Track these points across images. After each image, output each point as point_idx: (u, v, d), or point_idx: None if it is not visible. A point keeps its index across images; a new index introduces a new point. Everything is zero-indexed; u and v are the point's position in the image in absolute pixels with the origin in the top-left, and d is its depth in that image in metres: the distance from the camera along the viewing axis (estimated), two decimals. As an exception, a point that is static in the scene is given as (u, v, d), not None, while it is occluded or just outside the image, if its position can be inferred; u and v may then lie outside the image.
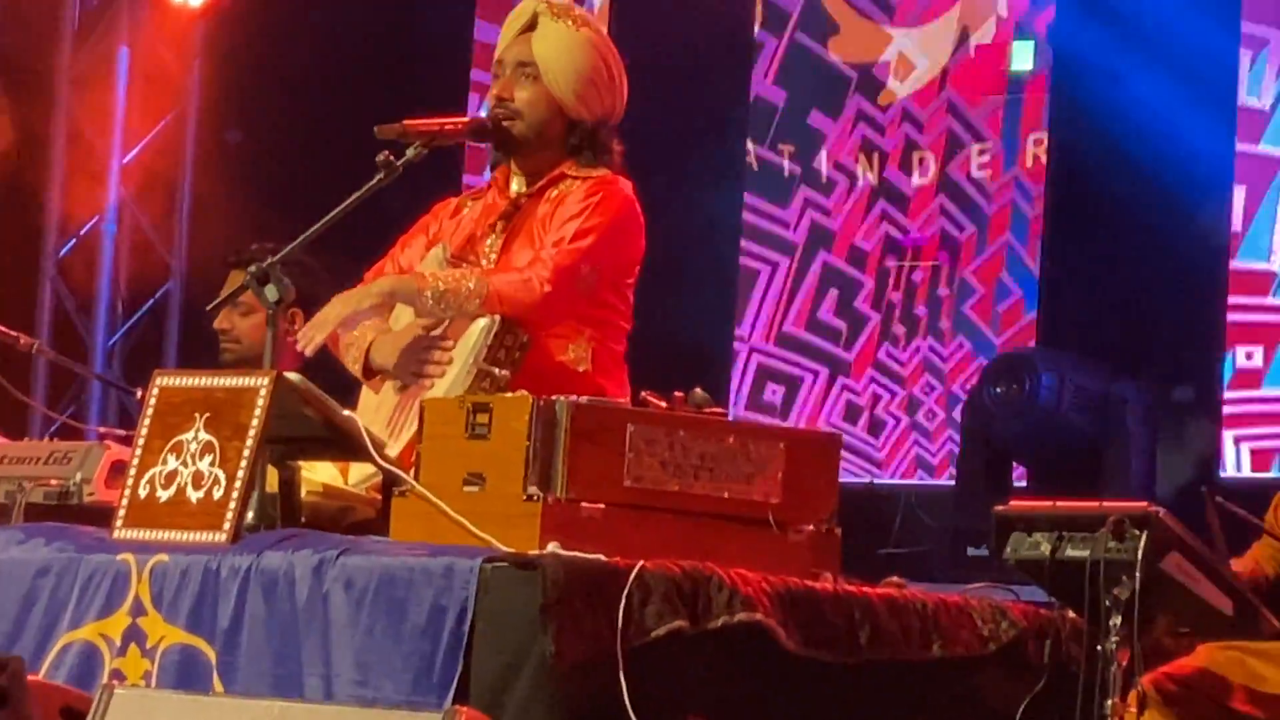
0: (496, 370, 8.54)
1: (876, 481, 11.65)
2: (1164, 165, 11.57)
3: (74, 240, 12.76)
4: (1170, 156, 11.66)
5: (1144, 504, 8.34)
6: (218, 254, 11.48)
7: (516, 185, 9.03)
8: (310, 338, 8.65)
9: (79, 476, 9.58)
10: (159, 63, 12.99)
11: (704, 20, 13.08)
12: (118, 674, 8.29)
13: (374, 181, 8.76)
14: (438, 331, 8.89)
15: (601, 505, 8.23)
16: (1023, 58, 12.23)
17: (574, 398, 8.32)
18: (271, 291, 8.59)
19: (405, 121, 8.97)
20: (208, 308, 10.54)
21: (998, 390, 11.36)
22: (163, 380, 8.82)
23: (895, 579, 8.71)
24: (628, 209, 8.86)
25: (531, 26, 8.99)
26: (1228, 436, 11.04)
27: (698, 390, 8.85)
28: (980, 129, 12.37)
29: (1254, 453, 10.86)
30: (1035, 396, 11.03)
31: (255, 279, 8.83)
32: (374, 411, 8.77)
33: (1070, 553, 8.17)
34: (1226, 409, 11.29)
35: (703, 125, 13.11)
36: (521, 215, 8.94)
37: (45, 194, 12.66)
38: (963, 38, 12.76)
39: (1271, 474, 10.29)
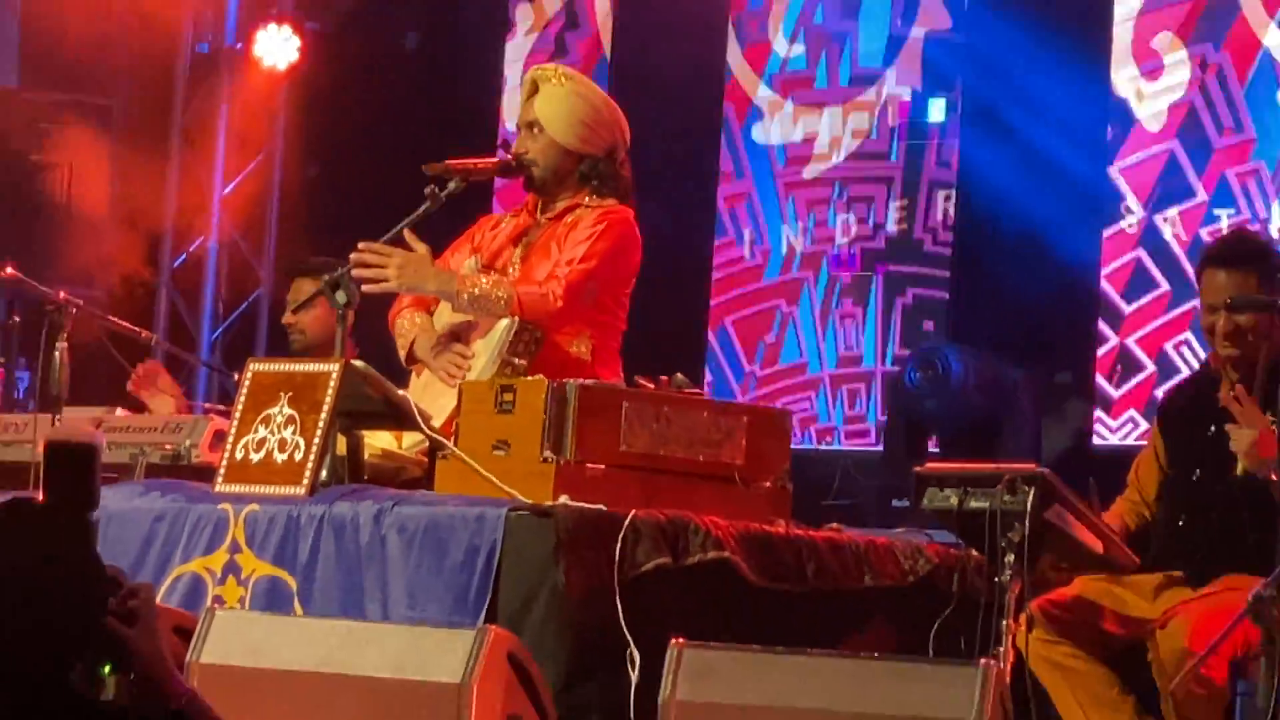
0: (516, 360, 8.63)
1: (820, 448, 11.59)
2: (1047, 200, 11.36)
3: (184, 255, 12.72)
4: (1052, 192, 11.49)
5: (1032, 465, 8.43)
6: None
7: (541, 209, 8.94)
8: (382, 280, 8.73)
9: (188, 443, 9.59)
10: (252, 113, 12.91)
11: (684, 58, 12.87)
12: (218, 599, 8.44)
13: (422, 209, 8.80)
14: (465, 334, 8.90)
15: (602, 466, 8.40)
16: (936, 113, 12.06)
17: (580, 381, 8.39)
18: (340, 296, 8.62)
19: (448, 161, 8.96)
20: (292, 310, 10.55)
21: (917, 375, 11.35)
22: (255, 366, 8.97)
23: (835, 525, 8.86)
24: (627, 234, 8.91)
25: (534, 92, 8.99)
26: (1098, 412, 11.05)
27: (679, 375, 8.89)
28: (897, 188, 12.19)
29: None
30: (947, 381, 10.96)
31: (328, 285, 8.82)
32: (421, 391, 8.77)
33: (973, 504, 8.24)
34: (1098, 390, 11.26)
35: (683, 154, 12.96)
36: (541, 236, 8.92)
37: (162, 220, 12.57)
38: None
39: (1130, 442, 10.27)
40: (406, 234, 8.78)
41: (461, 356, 8.86)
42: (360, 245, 8.75)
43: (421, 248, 8.78)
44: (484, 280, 8.83)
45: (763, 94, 12.52)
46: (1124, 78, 12.24)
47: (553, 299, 8.72)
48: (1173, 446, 8.74)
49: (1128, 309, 11.17)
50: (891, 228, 12.00)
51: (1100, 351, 11.11)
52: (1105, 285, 11.34)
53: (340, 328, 8.86)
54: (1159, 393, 10.31)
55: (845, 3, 12.39)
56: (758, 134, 12.47)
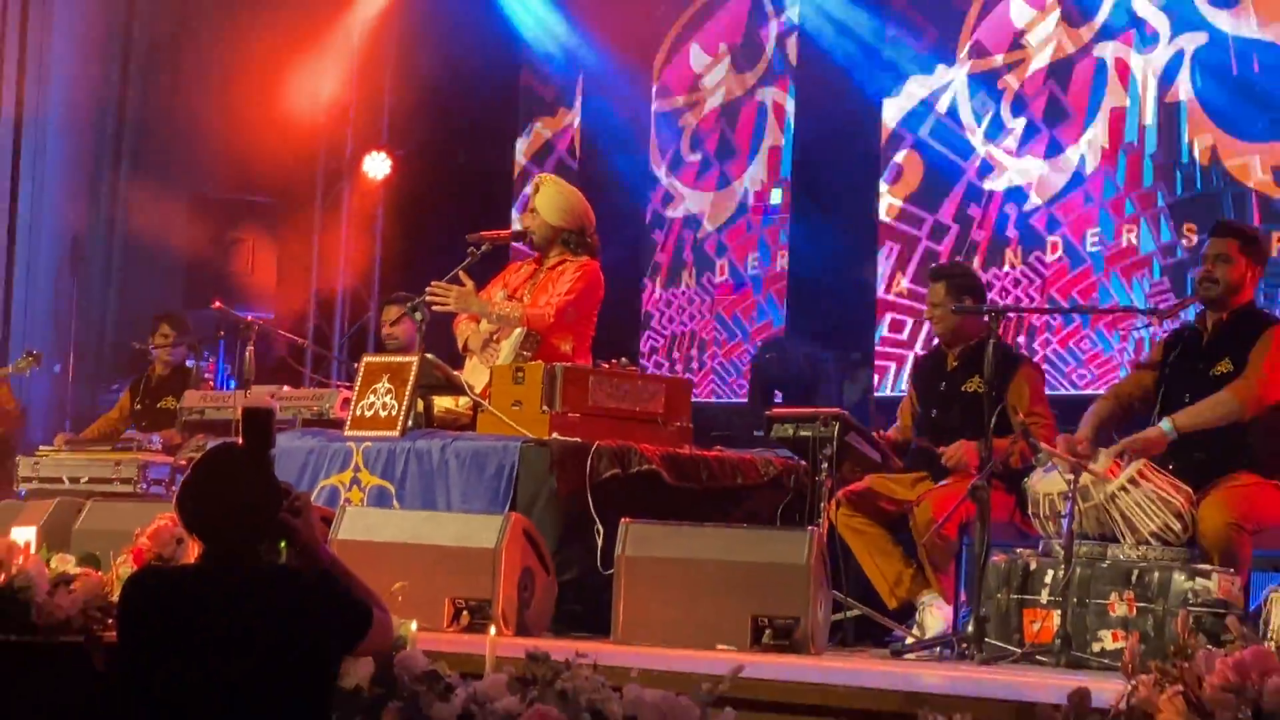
0: (525, 352, 8.61)
1: (713, 401, 11.47)
2: (842, 233, 11.40)
3: (325, 294, 12.50)
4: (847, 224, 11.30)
5: (837, 410, 8.34)
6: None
7: (543, 262, 8.93)
8: (445, 304, 8.71)
9: (326, 405, 9.59)
10: (363, 207, 12.80)
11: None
12: (348, 501, 8.36)
13: (467, 261, 8.83)
14: (496, 336, 8.89)
15: (578, 415, 8.37)
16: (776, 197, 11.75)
17: (564, 364, 8.41)
18: (418, 315, 8.65)
19: (482, 232, 9.03)
20: (389, 325, 10.54)
21: (768, 356, 11.22)
22: (367, 359, 8.95)
23: (718, 447, 8.85)
24: (595, 279, 8.82)
25: (536, 190, 9.00)
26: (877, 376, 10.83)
27: (624, 359, 8.94)
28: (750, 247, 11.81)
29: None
30: (786, 356, 10.85)
31: (411, 308, 8.86)
32: (470, 371, 8.76)
33: (802, 433, 8.22)
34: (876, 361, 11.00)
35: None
36: (543, 278, 8.86)
37: (310, 273, 12.42)
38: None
39: (897, 393, 10.13)
40: (461, 275, 8.85)
41: (494, 350, 8.91)
42: (432, 284, 8.78)
43: (469, 284, 8.74)
44: (507, 304, 8.89)
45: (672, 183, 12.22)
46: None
47: (548, 316, 8.65)
48: (919, 395, 8.65)
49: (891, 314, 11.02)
50: (754, 270, 11.72)
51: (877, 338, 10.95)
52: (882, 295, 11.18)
53: (419, 335, 8.89)
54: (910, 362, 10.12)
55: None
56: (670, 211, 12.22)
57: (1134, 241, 10.04)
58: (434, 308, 8.80)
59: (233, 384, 10.70)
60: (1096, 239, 10.16)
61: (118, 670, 5.26)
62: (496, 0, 12.51)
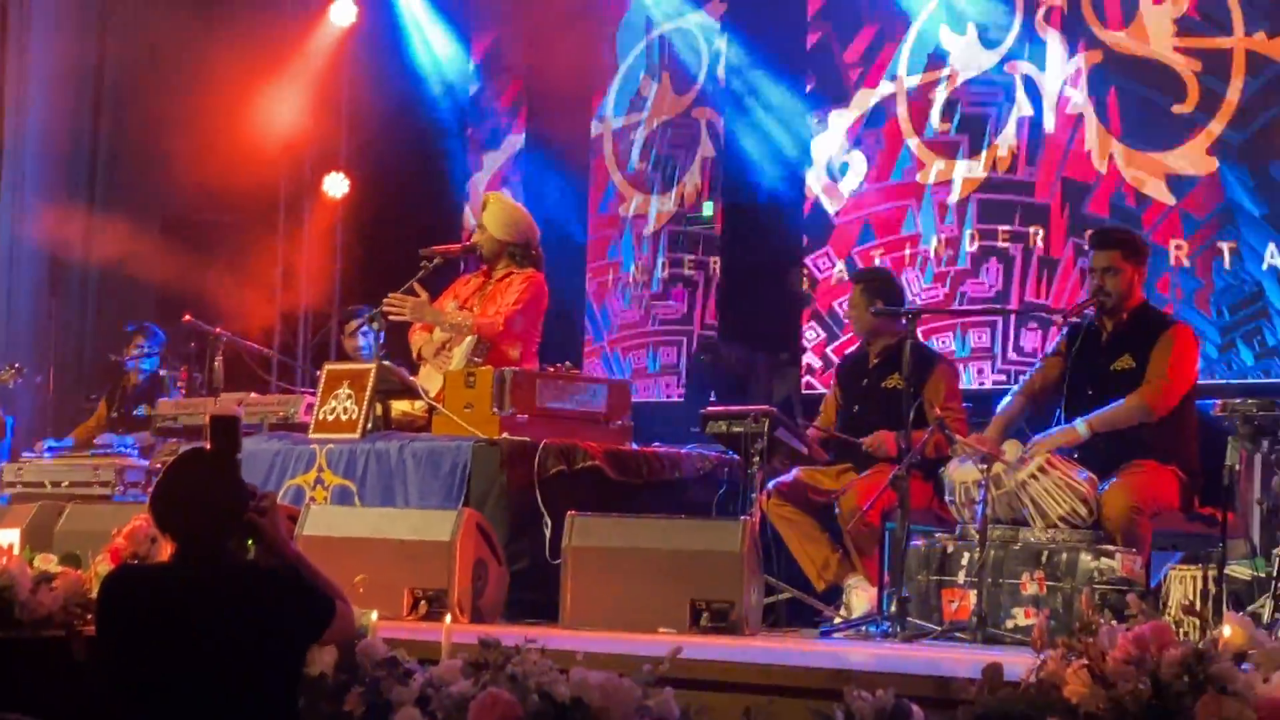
0: (476, 358, 8.56)
1: (652, 400, 11.42)
2: (777, 247, 11.30)
3: (288, 307, 12.39)
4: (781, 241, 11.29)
5: (766, 407, 8.34)
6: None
7: (491, 274, 8.89)
8: (401, 314, 8.66)
9: (292, 410, 9.54)
10: (324, 224, 12.71)
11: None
12: (312, 499, 8.31)
13: (420, 274, 8.79)
14: (448, 344, 8.86)
15: (526, 415, 8.30)
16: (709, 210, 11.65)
17: (512, 369, 8.37)
18: (375, 325, 8.64)
19: (434, 247, 8.98)
20: (348, 335, 10.50)
21: (702, 357, 11.20)
22: (329, 367, 8.93)
23: (657, 443, 8.76)
24: (540, 289, 8.77)
25: (484, 207, 8.97)
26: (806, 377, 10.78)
27: (568, 363, 8.93)
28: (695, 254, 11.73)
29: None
30: (719, 358, 10.83)
31: (368, 319, 8.98)
32: (424, 377, 8.70)
33: (735, 429, 8.20)
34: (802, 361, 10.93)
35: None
36: (491, 289, 8.81)
37: (274, 287, 12.35)
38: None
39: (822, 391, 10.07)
40: (416, 288, 8.80)
41: (446, 357, 8.87)
42: (388, 296, 8.76)
43: (423, 295, 8.70)
44: (458, 314, 8.85)
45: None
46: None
47: (498, 324, 8.60)
48: (843, 392, 8.66)
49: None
50: (690, 273, 11.67)
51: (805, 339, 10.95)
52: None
53: (376, 344, 8.89)
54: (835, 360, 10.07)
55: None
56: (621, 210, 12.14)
57: (1039, 242, 10.03)
58: (390, 318, 8.77)
59: (204, 391, 10.64)
60: (1009, 235, 10.16)
61: (97, 663, 5.22)
62: (449, 29, 12.45)
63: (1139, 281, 7.72)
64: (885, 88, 10.71)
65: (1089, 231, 8.33)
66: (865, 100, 10.77)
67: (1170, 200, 9.56)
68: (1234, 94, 9.36)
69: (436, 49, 12.45)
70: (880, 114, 10.71)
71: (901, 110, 10.59)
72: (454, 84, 12.49)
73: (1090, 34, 9.87)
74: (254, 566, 5.42)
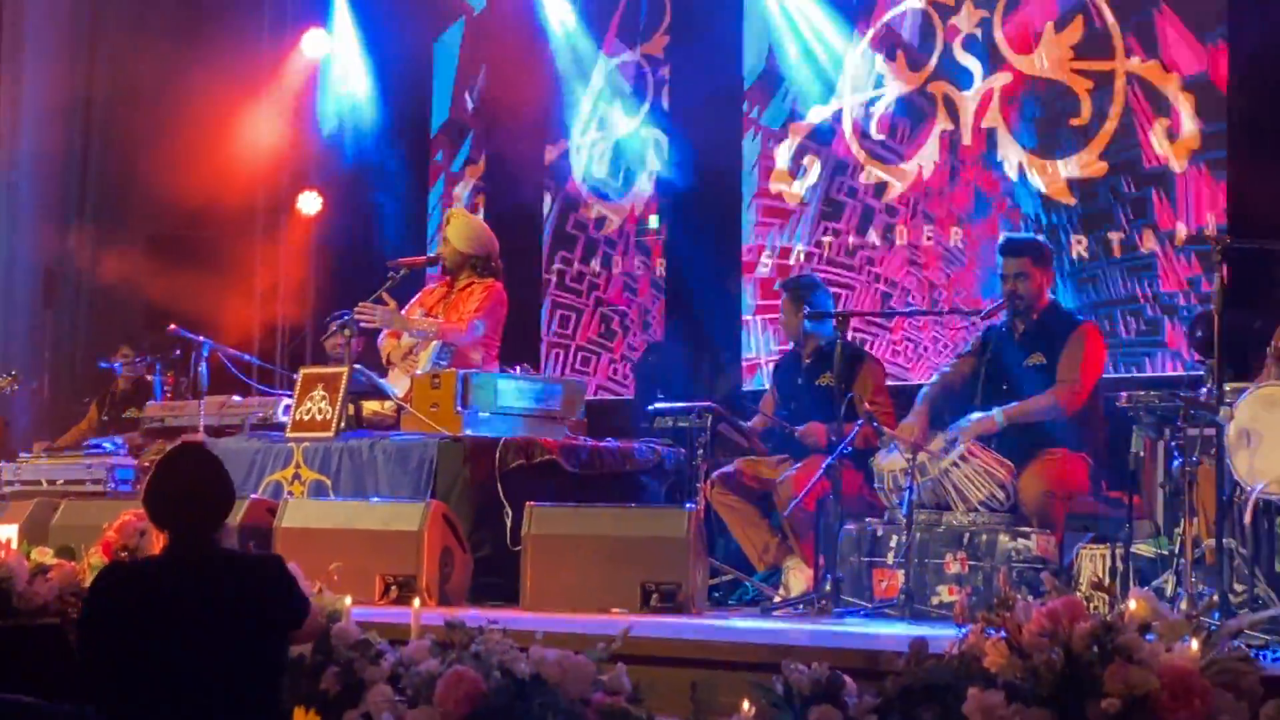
0: (441, 362, 8.52)
1: (604, 398, 11.34)
2: (719, 254, 11.23)
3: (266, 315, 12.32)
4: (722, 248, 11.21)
5: (709, 404, 8.37)
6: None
7: (454, 284, 8.85)
8: (371, 322, 8.62)
9: (271, 411, 9.51)
10: (299, 238, 12.60)
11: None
12: (290, 493, 8.26)
13: (388, 284, 8.75)
14: (415, 349, 8.84)
15: (488, 414, 8.26)
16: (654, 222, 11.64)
17: (475, 371, 8.33)
18: (348, 331, 8.60)
19: (400, 259, 8.97)
20: (323, 340, 10.45)
21: (650, 358, 11.11)
22: (304, 371, 8.84)
23: (609, 438, 8.72)
24: (500, 298, 8.72)
25: (447, 222, 8.94)
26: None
27: (526, 365, 8.91)
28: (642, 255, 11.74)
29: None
30: (664, 361, 10.78)
31: (341, 326, 8.89)
32: (393, 379, 8.66)
33: (680, 424, 8.23)
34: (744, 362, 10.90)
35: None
36: (455, 298, 8.77)
37: (254, 296, 12.28)
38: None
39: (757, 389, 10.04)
40: (385, 296, 8.77)
41: (413, 361, 8.83)
42: (360, 305, 8.72)
43: (391, 304, 8.66)
44: (424, 320, 8.82)
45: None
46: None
47: (460, 329, 8.59)
48: (779, 390, 8.66)
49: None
50: (639, 276, 11.62)
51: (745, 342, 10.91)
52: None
53: (347, 350, 8.86)
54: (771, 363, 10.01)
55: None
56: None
57: (960, 244, 10.09)
58: (362, 325, 8.74)
59: (190, 397, 10.58)
60: (932, 237, 10.23)
61: (85, 653, 5.17)
62: (411, 53, 12.39)
63: (1047, 284, 7.81)
64: (824, 110, 10.75)
65: (1000, 239, 8.37)
66: (816, 116, 10.81)
67: (1071, 200, 9.68)
68: (1118, 107, 9.57)
69: (403, 77, 12.38)
70: (827, 130, 10.72)
71: (846, 125, 10.62)
72: (418, 109, 12.41)
73: (1002, 58, 9.97)
74: (244, 555, 5.42)
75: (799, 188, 10.83)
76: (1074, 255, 9.66)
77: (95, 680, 5.06)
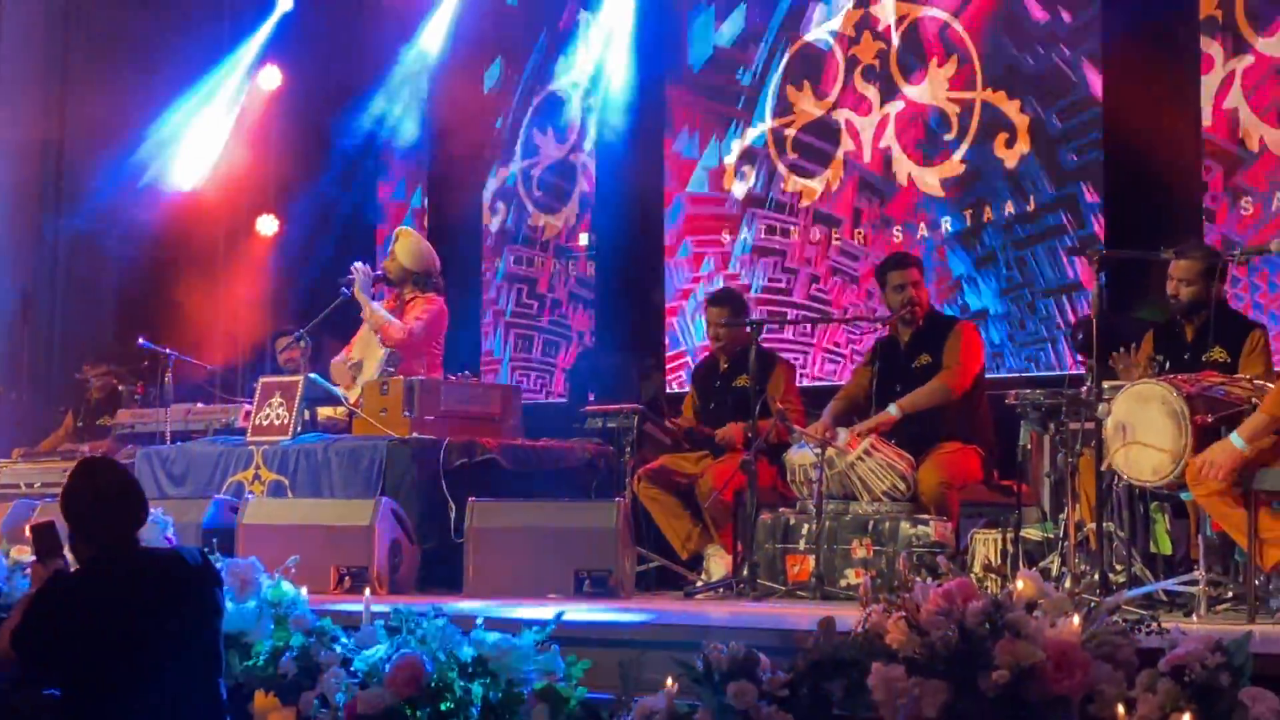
0: (389, 369, 8.50)
1: (539, 400, 11.31)
2: (642, 266, 11.17)
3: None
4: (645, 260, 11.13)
5: (636, 405, 8.43)
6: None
7: (400, 297, 8.81)
8: (353, 279, 8.72)
9: (232, 417, 9.44)
10: (258, 257, 12.50)
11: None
12: (251, 493, 8.20)
13: (336, 302, 8.74)
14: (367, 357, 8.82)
15: (432, 417, 8.26)
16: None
17: (419, 378, 8.32)
18: (303, 344, 8.64)
19: (350, 275, 8.90)
20: (280, 351, 10.39)
21: (582, 362, 11.06)
22: (263, 380, 8.85)
23: (544, 438, 8.69)
24: (439, 311, 8.70)
25: (396, 240, 8.91)
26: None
27: (467, 371, 8.90)
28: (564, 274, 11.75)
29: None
30: (596, 363, 10.83)
31: (298, 339, 8.90)
32: (346, 389, 8.63)
33: (609, 424, 8.27)
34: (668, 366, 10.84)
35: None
36: (400, 310, 8.75)
37: (218, 315, 12.17)
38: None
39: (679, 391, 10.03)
40: (357, 293, 8.76)
41: (358, 372, 8.83)
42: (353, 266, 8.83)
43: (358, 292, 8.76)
44: (376, 307, 8.71)
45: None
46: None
47: (400, 332, 8.54)
48: (699, 391, 8.65)
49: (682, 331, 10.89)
50: (570, 288, 11.60)
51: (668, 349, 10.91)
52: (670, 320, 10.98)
53: (303, 359, 8.81)
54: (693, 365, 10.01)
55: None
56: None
57: (861, 241, 10.20)
58: (348, 282, 8.77)
59: (159, 406, 10.50)
60: (839, 245, 10.29)
61: (30, 660, 5.08)
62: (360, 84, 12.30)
63: (927, 292, 7.90)
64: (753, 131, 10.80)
65: (890, 254, 8.47)
66: (742, 139, 10.81)
67: (942, 194, 9.85)
68: (975, 124, 9.72)
69: (349, 110, 12.30)
70: (751, 150, 10.72)
71: (770, 145, 10.65)
72: (364, 138, 12.34)
73: (895, 89, 10.04)
74: (171, 550, 5.36)
75: (728, 204, 10.83)
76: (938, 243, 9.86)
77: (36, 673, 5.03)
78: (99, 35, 12.25)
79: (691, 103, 11.02)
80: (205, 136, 12.32)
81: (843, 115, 10.29)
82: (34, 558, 5.65)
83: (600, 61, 11.29)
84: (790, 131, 10.54)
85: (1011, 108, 9.59)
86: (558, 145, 11.73)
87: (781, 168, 10.59)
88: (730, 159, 10.83)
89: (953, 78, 9.84)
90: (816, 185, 10.39)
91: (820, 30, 10.47)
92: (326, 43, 12.24)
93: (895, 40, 10.10)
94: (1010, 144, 9.58)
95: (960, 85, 9.82)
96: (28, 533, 5.26)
